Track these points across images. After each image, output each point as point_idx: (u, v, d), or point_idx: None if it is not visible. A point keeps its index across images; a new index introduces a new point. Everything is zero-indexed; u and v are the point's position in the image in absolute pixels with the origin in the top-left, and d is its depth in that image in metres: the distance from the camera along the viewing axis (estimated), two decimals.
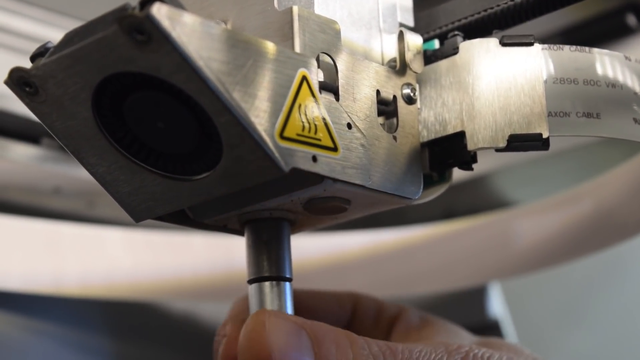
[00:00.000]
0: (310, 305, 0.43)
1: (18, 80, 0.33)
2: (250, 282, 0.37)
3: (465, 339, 0.42)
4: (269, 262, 0.37)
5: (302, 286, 0.42)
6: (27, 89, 0.33)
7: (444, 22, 0.40)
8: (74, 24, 0.32)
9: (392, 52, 0.38)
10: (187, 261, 0.67)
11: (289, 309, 0.37)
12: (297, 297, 0.42)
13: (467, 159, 0.37)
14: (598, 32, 0.63)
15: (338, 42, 0.35)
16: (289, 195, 0.35)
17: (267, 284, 0.37)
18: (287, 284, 0.37)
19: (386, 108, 0.37)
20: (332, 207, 0.36)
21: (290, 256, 0.37)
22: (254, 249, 0.37)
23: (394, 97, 0.37)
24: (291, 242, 0.38)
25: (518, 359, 0.38)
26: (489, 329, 0.75)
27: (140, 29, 0.29)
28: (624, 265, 0.86)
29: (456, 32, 0.39)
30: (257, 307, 0.36)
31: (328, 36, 0.35)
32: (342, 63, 0.35)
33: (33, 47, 0.33)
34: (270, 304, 0.36)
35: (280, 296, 0.36)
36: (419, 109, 0.38)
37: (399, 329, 0.43)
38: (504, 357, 0.37)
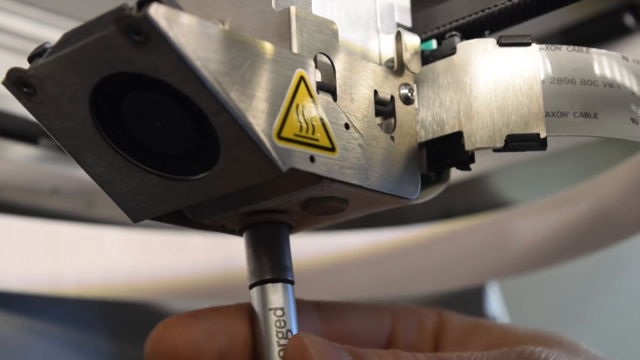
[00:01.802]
0: (348, 320, 0.41)
1: (16, 80, 0.33)
2: (252, 286, 0.37)
3: (518, 334, 0.41)
4: (270, 265, 0.37)
5: (301, 286, 0.42)
6: (25, 89, 0.33)
7: (442, 22, 0.40)
8: (72, 25, 0.32)
9: (389, 52, 0.38)
10: (186, 261, 0.67)
11: (292, 312, 0.36)
12: (335, 310, 0.40)
13: (465, 159, 0.37)
14: (596, 32, 0.63)
15: (335, 43, 0.35)
16: (286, 195, 0.35)
17: (269, 286, 0.36)
18: (290, 286, 0.37)
19: (384, 108, 0.37)
20: (330, 207, 0.36)
21: (291, 259, 0.37)
22: (254, 253, 0.37)
23: (392, 97, 0.37)
24: (289, 242, 0.38)
25: (577, 358, 0.37)
26: None
27: (137, 30, 0.29)
28: (622, 265, 0.86)
29: (454, 33, 0.39)
30: (261, 309, 0.36)
31: (325, 36, 0.35)
32: (340, 63, 0.35)
33: (31, 48, 0.33)
34: (273, 306, 0.36)
35: (284, 299, 0.36)
36: (416, 109, 0.38)
37: (447, 339, 0.42)
38: (563, 357, 0.36)
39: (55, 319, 0.65)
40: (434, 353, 0.36)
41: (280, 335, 0.36)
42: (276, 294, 0.36)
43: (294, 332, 0.36)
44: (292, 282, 0.37)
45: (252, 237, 0.37)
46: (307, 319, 0.39)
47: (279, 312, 0.36)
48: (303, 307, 0.39)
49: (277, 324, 0.36)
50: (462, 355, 0.36)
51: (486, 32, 0.38)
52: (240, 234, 0.38)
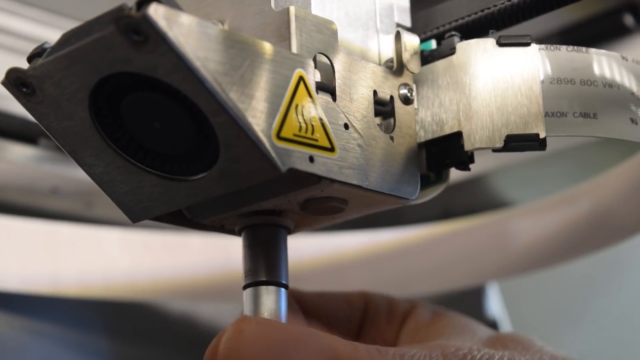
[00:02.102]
0: (320, 307, 0.42)
1: (15, 80, 0.33)
2: (245, 287, 0.37)
3: (477, 333, 0.41)
4: (266, 267, 0.37)
5: (300, 287, 0.42)
6: (24, 89, 0.33)
7: (441, 22, 0.40)
8: (71, 25, 0.32)
9: (389, 52, 0.38)
10: (185, 261, 0.67)
11: (283, 315, 0.36)
12: (307, 299, 0.41)
13: (464, 159, 0.37)
14: (595, 32, 0.63)
15: (335, 43, 0.35)
16: (286, 195, 0.35)
17: (262, 288, 0.36)
18: (283, 290, 0.37)
19: (383, 108, 0.37)
20: (329, 207, 0.36)
21: (287, 263, 0.37)
22: (250, 254, 0.37)
23: (391, 97, 0.37)
24: (288, 243, 0.38)
25: (522, 357, 0.37)
26: None
27: (136, 30, 0.29)
28: (621, 265, 0.86)
29: (453, 33, 0.39)
30: (252, 312, 0.36)
31: (325, 36, 0.35)
32: (339, 63, 0.35)
33: (30, 48, 0.33)
34: (265, 309, 0.36)
35: (276, 302, 0.36)
36: (416, 109, 0.38)
37: (409, 326, 0.42)
38: (505, 357, 0.37)
39: (55, 319, 0.65)
40: (374, 345, 0.36)
41: None
42: (269, 297, 0.36)
43: None
44: (286, 286, 0.37)
45: (250, 238, 0.37)
46: (291, 313, 0.39)
47: (271, 315, 0.36)
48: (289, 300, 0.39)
49: None
50: (400, 349, 0.35)
51: (490, 31, 0.38)
52: (239, 234, 0.38)
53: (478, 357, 0.36)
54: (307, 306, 0.41)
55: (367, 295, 0.44)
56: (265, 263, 0.37)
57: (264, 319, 0.35)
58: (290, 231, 0.38)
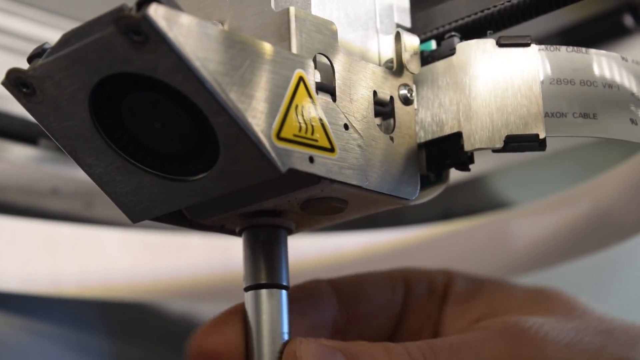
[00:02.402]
0: (360, 290, 0.42)
1: (15, 81, 0.33)
2: (247, 289, 0.37)
3: (518, 298, 0.41)
4: (267, 269, 0.37)
5: None
6: (24, 89, 0.33)
7: (441, 22, 0.40)
8: (71, 25, 0.32)
9: (389, 52, 0.38)
10: (185, 262, 0.67)
11: (285, 318, 0.37)
12: (343, 284, 0.41)
13: (464, 160, 0.37)
14: (595, 33, 0.63)
15: (335, 43, 0.35)
16: (286, 195, 0.35)
17: (263, 291, 0.37)
18: (284, 291, 0.37)
19: (383, 109, 0.37)
20: (329, 207, 0.36)
21: (287, 264, 0.37)
22: (251, 256, 0.37)
23: (391, 97, 0.37)
24: (288, 243, 0.38)
25: (570, 324, 0.37)
26: None
27: (136, 30, 0.29)
28: (621, 266, 0.86)
29: (453, 33, 0.39)
30: (254, 314, 0.36)
31: (325, 37, 0.35)
32: (339, 64, 0.35)
33: (30, 48, 0.33)
34: (266, 311, 0.36)
35: (277, 304, 0.36)
36: (415, 109, 0.38)
37: (450, 302, 0.42)
38: (555, 325, 0.37)
39: (55, 319, 0.65)
40: (426, 342, 0.36)
41: (271, 340, 0.36)
42: (270, 299, 0.36)
43: (286, 337, 0.36)
44: (287, 288, 0.37)
45: (251, 240, 0.37)
46: (326, 300, 0.40)
47: (272, 317, 0.36)
48: (321, 288, 0.40)
49: (270, 328, 0.36)
50: (453, 343, 0.36)
51: (489, 32, 0.38)
52: (239, 234, 0.38)
53: (533, 331, 0.36)
54: (344, 291, 0.41)
55: (406, 272, 0.43)
56: (266, 265, 0.37)
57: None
58: (291, 232, 0.38)
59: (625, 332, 0.38)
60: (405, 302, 0.42)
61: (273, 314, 0.36)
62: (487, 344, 0.36)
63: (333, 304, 0.40)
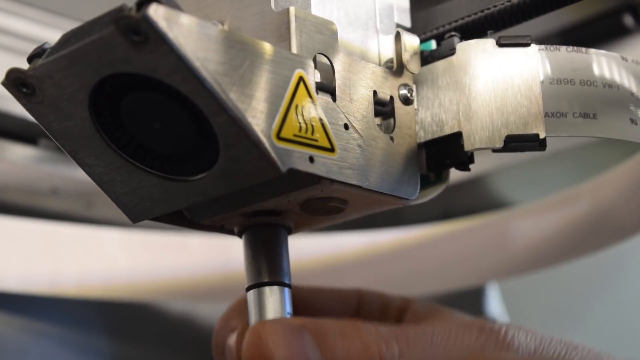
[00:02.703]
0: (312, 303, 0.42)
1: (15, 81, 0.33)
2: (249, 288, 0.37)
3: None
4: (268, 268, 0.37)
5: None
6: (24, 89, 0.33)
7: (441, 22, 0.40)
8: (71, 25, 0.32)
9: (389, 52, 0.38)
10: (185, 262, 0.67)
11: (288, 315, 0.36)
12: (300, 294, 0.41)
13: (464, 160, 0.37)
14: (595, 33, 0.63)
15: (335, 43, 0.35)
16: (286, 195, 0.35)
17: (266, 289, 0.36)
18: (286, 289, 0.37)
19: (383, 109, 0.37)
20: (329, 207, 0.36)
21: (289, 263, 0.37)
22: (252, 255, 0.37)
23: (391, 97, 0.37)
24: (289, 243, 0.38)
25: (533, 335, 0.37)
26: None
27: (136, 30, 0.29)
28: (621, 265, 0.86)
29: (453, 33, 0.39)
30: (256, 313, 0.36)
31: (325, 37, 0.35)
32: (339, 64, 0.35)
33: (30, 48, 0.33)
34: (269, 309, 0.36)
35: (280, 302, 0.36)
36: (415, 109, 0.38)
37: (408, 320, 0.42)
38: (521, 331, 0.36)
39: (55, 319, 0.65)
40: (398, 326, 0.35)
41: None
42: (273, 297, 0.36)
43: None
44: (289, 286, 0.37)
45: (251, 239, 0.37)
46: None
47: (276, 314, 0.36)
48: None
49: None
50: (421, 326, 0.35)
51: (489, 32, 0.38)
52: (239, 235, 0.38)
53: (496, 328, 0.36)
54: (299, 300, 0.41)
55: (360, 292, 0.43)
56: (267, 263, 0.37)
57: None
58: (290, 231, 0.38)
59: (590, 352, 0.38)
60: (356, 316, 0.42)
61: (277, 312, 0.36)
62: (458, 333, 0.36)
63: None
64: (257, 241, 0.37)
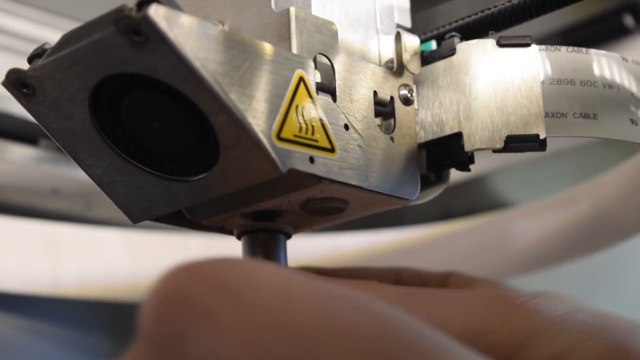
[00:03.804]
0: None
1: (15, 81, 0.33)
2: None
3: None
4: None
5: None
6: (25, 90, 0.33)
7: (441, 23, 0.40)
8: (71, 25, 0.32)
9: (389, 53, 0.38)
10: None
11: None
12: (338, 275, 0.40)
13: (465, 160, 0.37)
14: (595, 33, 0.63)
15: (335, 43, 0.35)
16: (286, 196, 0.35)
17: None
18: None
19: (383, 109, 0.37)
20: (330, 208, 0.36)
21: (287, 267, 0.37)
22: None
23: (391, 98, 0.37)
24: (288, 243, 0.38)
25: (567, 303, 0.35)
26: None
27: (137, 30, 0.29)
28: (621, 265, 0.86)
29: (453, 33, 0.39)
30: None
31: (325, 37, 0.35)
32: (339, 64, 0.35)
33: (30, 48, 0.33)
34: None
35: None
36: (416, 109, 0.38)
37: None
38: (553, 299, 0.34)
39: (54, 319, 0.66)
40: (406, 289, 0.34)
41: None
42: None
43: None
44: None
45: (250, 244, 0.37)
46: None
47: None
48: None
49: None
50: (433, 291, 0.34)
51: (490, 32, 0.38)
52: (238, 238, 0.38)
53: (520, 293, 0.34)
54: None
55: (398, 270, 0.42)
56: None
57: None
58: (289, 236, 0.38)
59: (625, 321, 0.36)
60: None
61: None
62: (475, 300, 0.35)
63: None
64: (255, 246, 0.37)
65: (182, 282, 0.28)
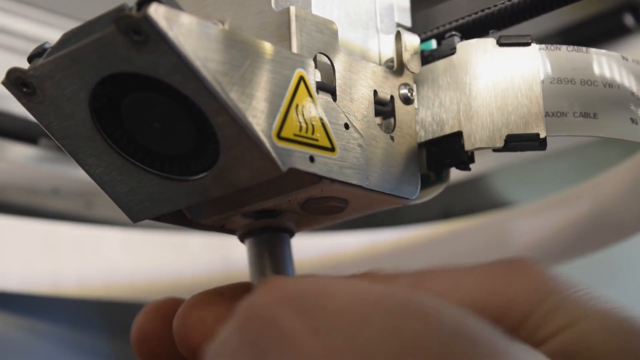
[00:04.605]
0: None
1: (15, 80, 0.33)
2: None
3: None
4: (274, 272, 0.37)
5: None
6: (25, 89, 0.33)
7: (442, 22, 0.40)
8: (72, 25, 0.32)
9: (389, 52, 0.38)
10: (185, 261, 0.67)
11: None
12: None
13: (465, 159, 0.37)
14: (596, 32, 0.63)
15: (335, 42, 0.35)
16: (286, 195, 0.35)
17: None
18: None
19: (383, 108, 0.37)
20: (330, 207, 0.36)
21: (294, 267, 0.37)
22: (257, 262, 0.37)
23: (392, 97, 0.37)
24: (291, 250, 0.38)
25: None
26: None
27: (137, 30, 0.29)
28: (621, 265, 0.86)
29: (453, 33, 0.39)
30: None
31: (325, 36, 0.35)
32: (340, 63, 0.35)
33: (30, 48, 0.33)
34: None
35: None
36: (416, 109, 0.38)
37: None
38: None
39: (55, 319, 0.66)
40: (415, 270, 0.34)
41: None
42: None
43: None
44: None
45: (255, 245, 0.37)
46: None
47: None
48: None
49: None
50: (444, 269, 0.34)
51: (491, 31, 0.38)
52: (241, 240, 0.38)
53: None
54: None
55: (370, 275, 0.43)
56: (272, 269, 0.37)
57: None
58: (293, 234, 0.38)
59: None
60: None
61: None
62: (486, 267, 0.34)
63: None
64: (261, 247, 0.37)
65: (268, 304, 0.28)
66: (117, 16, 0.29)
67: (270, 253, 0.37)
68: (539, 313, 0.31)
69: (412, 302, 0.28)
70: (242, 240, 0.38)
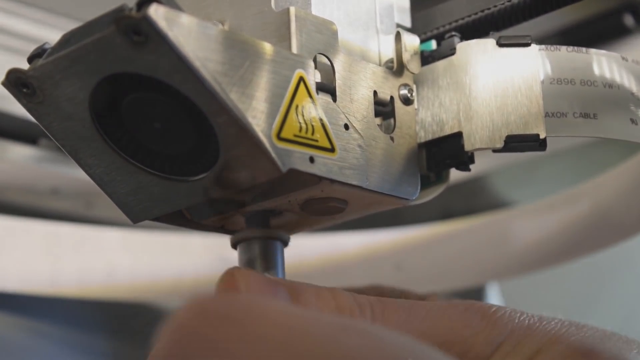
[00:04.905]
0: None
1: (15, 81, 0.33)
2: None
3: None
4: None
5: None
6: (25, 90, 0.33)
7: (441, 22, 0.40)
8: (71, 25, 0.32)
9: (389, 52, 0.38)
10: (185, 262, 0.67)
11: None
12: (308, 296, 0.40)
13: (465, 160, 0.37)
14: (595, 33, 0.63)
15: (335, 43, 0.35)
16: (286, 196, 0.35)
17: None
18: None
19: (383, 109, 0.37)
20: (330, 207, 0.36)
21: (284, 274, 0.37)
22: (247, 267, 0.37)
23: (391, 97, 0.37)
24: (284, 259, 0.38)
25: (530, 316, 0.35)
26: None
27: (137, 30, 0.29)
28: (621, 265, 0.86)
29: (453, 33, 0.39)
30: None
31: (325, 37, 0.35)
32: (339, 64, 0.35)
33: (30, 48, 0.33)
34: None
35: None
36: (416, 109, 0.38)
37: None
38: (514, 311, 0.35)
39: (55, 319, 0.66)
40: (377, 297, 0.35)
41: None
42: None
43: None
44: None
45: (245, 252, 0.37)
46: None
47: None
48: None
49: None
50: (407, 301, 0.35)
51: (491, 32, 0.38)
52: (234, 247, 0.38)
53: (478, 305, 0.35)
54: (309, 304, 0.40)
55: (379, 289, 0.43)
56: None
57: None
58: (286, 244, 0.38)
59: (600, 330, 0.36)
60: None
61: None
62: (441, 309, 0.35)
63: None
64: (252, 254, 0.37)
65: (191, 317, 0.30)
66: (117, 17, 0.29)
67: (261, 262, 0.37)
68: (502, 352, 0.33)
69: (334, 335, 0.28)
70: (234, 246, 0.38)
